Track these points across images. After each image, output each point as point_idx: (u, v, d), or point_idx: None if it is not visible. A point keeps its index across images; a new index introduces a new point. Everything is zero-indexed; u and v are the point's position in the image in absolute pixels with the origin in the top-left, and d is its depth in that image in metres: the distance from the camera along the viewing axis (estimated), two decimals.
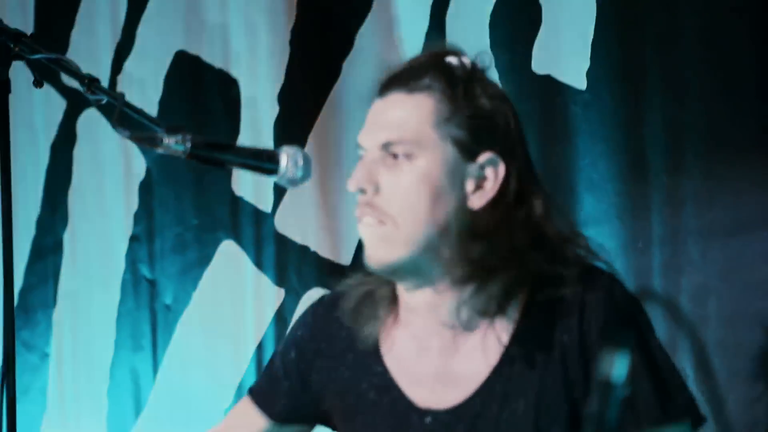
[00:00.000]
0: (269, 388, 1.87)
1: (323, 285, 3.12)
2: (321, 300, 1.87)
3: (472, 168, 1.66)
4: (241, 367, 3.27)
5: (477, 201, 1.67)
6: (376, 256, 1.67)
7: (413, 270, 1.68)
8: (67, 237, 3.58)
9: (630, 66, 2.53)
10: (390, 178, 1.66)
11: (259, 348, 3.24)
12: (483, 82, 1.69)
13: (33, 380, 3.55)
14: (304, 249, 3.17)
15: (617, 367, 1.15)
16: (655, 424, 1.64)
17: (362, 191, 1.67)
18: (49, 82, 3.27)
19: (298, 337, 1.85)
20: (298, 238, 3.19)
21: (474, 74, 1.69)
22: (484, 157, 1.67)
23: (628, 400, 1.57)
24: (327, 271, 3.13)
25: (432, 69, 1.68)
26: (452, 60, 1.69)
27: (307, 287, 3.18)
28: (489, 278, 1.67)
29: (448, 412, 1.69)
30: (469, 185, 1.67)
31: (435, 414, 1.70)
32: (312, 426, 1.89)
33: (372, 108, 1.72)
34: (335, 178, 3.07)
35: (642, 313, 1.68)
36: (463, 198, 1.66)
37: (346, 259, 3.08)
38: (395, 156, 1.66)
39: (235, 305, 3.30)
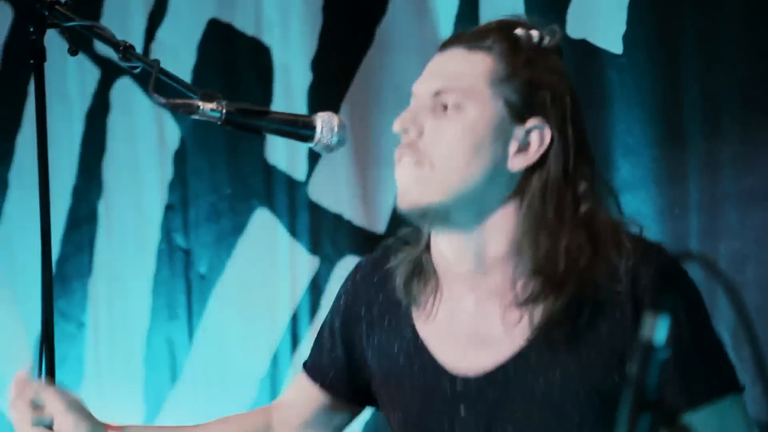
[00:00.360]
0: (319, 360, 1.88)
1: (357, 253, 3.12)
2: (360, 264, 1.86)
3: (519, 131, 1.66)
4: (276, 336, 3.28)
5: (517, 163, 1.66)
6: (408, 197, 1.66)
7: (442, 217, 1.66)
8: (102, 206, 3.60)
9: (667, 29, 2.50)
10: (435, 124, 1.66)
11: (294, 317, 3.25)
12: (546, 56, 1.69)
13: (70, 349, 3.58)
14: (338, 217, 3.17)
15: (658, 330, 1.14)
16: (702, 400, 1.63)
17: (405, 132, 1.67)
18: (83, 51, 3.28)
19: (341, 304, 1.86)
20: (331, 206, 3.19)
21: (539, 48, 1.69)
22: (533, 122, 1.66)
23: (676, 375, 1.57)
24: (361, 239, 3.13)
25: (497, 33, 1.68)
26: (520, 32, 1.69)
27: (341, 255, 3.18)
28: (532, 252, 1.66)
29: (479, 378, 1.68)
30: (513, 147, 1.66)
31: (466, 380, 1.69)
32: (363, 405, 1.89)
33: (431, 61, 1.72)
34: (369, 146, 3.06)
35: (692, 285, 1.66)
36: (503, 158, 1.66)
37: (380, 227, 3.08)
38: (445, 107, 1.66)
39: (269, 274, 3.30)
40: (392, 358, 1.77)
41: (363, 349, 1.82)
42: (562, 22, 2.63)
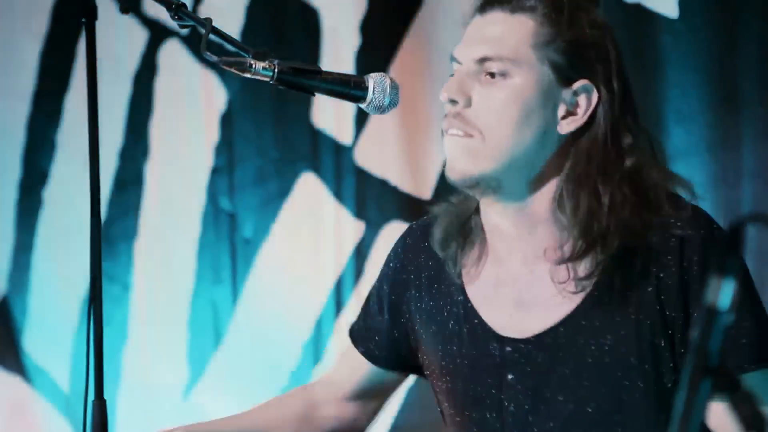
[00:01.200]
0: (366, 326, 1.88)
1: (403, 218, 3.11)
2: (410, 229, 1.86)
3: (566, 93, 1.65)
4: (320, 300, 3.28)
5: (566, 127, 1.65)
6: (459, 168, 1.66)
7: (494, 186, 1.66)
8: (148, 169, 3.60)
9: None
10: (483, 93, 1.65)
11: (339, 282, 3.24)
12: (587, 11, 1.67)
13: (114, 311, 3.60)
14: (384, 182, 3.16)
15: (722, 294, 1.11)
16: (755, 363, 1.61)
17: (453, 102, 1.66)
18: (132, 12, 3.27)
19: (389, 269, 1.86)
20: (377, 171, 3.18)
21: (579, 2, 1.67)
22: (579, 83, 1.65)
23: (729, 336, 1.55)
24: (407, 205, 3.12)
25: None
26: None
27: (386, 220, 3.17)
28: (574, 208, 1.64)
29: (529, 341, 1.68)
30: (561, 110, 1.65)
31: (515, 343, 1.69)
32: (407, 371, 1.89)
33: (471, 24, 1.71)
34: (416, 111, 3.04)
35: (740, 255, 1.64)
36: (552, 122, 1.65)
37: (425, 192, 3.06)
38: (492, 75, 1.65)
39: (314, 238, 3.30)
40: (442, 323, 1.76)
41: (411, 315, 1.81)
42: None
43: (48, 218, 3.78)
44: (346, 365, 1.92)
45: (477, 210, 1.74)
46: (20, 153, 3.79)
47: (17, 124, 3.77)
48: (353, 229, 3.22)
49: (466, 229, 1.74)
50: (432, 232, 1.77)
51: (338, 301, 3.24)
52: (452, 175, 1.67)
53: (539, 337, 1.67)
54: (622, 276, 1.63)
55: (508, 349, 1.69)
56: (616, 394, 1.64)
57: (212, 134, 3.45)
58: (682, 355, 1.61)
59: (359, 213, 3.21)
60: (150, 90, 3.57)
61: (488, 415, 1.71)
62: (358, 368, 1.89)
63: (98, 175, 2.19)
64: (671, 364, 1.63)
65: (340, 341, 3.25)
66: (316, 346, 3.29)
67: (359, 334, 1.88)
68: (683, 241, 1.61)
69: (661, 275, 1.62)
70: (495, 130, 1.64)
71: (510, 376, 1.69)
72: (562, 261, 1.65)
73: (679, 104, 2.53)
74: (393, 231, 3.14)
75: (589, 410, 1.64)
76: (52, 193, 3.77)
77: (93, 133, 2.15)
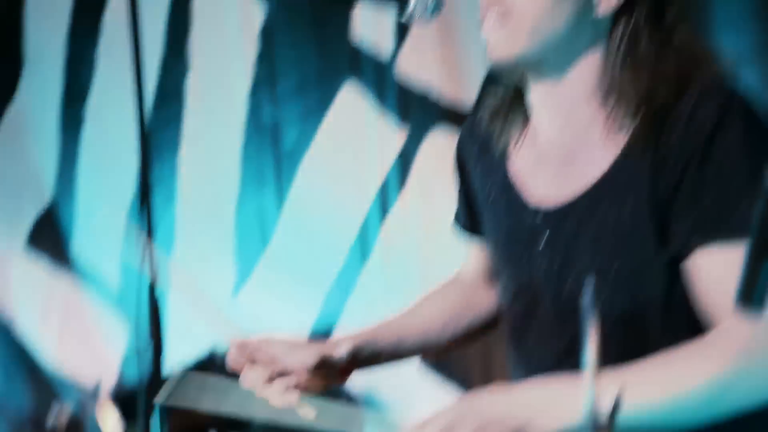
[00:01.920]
0: (458, 202, 1.99)
1: (445, 125, 3.13)
2: (471, 110, 1.94)
3: None
4: (365, 206, 3.31)
5: (603, 8, 1.67)
6: (498, 52, 1.68)
7: (534, 67, 1.69)
8: (189, 81, 3.61)
9: None
10: None
11: (383, 187, 3.27)
12: None
13: (162, 218, 3.64)
14: (426, 90, 3.17)
15: None
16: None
17: None
18: None
19: (456, 147, 1.95)
20: (420, 78, 3.18)
21: None
22: None
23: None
24: (449, 112, 3.13)
25: None
26: None
27: (428, 128, 3.18)
28: (610, 86, 1.67)
29: (557, 209, 1.73)
30: None
31: (545, 212, 1.75)
32: None
33: None
34: (458, 16, 3.04)
35: (750, 118, 1.59)
36: (588, 2, 1.67)
37: (468, 97, 3.08)
38: None
39: (356, 148, 3.32)
40: (486, 193, 1.87)
41: (470, 185, 1.92)
42: None
43: (91, 129, 3.82)
44: (470, 250, 2.02)
45: (521, 92, 1.79)
46: (62, 66, 3.82)
47: (57, 40, 3.79)
48: (395, 136, 3.24)
49: (514, 105, 1.80)
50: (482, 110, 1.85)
51: (383, 206, 3.27)
52: (492, 59, 1.70)
53: (566, 206, 1.72)
54: (644, 144, 1.64)
55: (539, 218, 1.75)
56: (635, 257, 1.66)
57: (253, 46, 3.46)
58: (677, 219, 1.62)
59: (402, 121, 3.23)
60: (188, 5, 3.57)
61: (523, 279, 1.79)
62: (473, 247, 1.99)
63: (141, 87, 2.22)
64: (668, 231, 1.63)
65: (386, 244, 3.29)
66: (362, 248, 3.33)
67: (457, 213, 1.99)
68: (699, 102, 1.60)
69: (672, 135, 1.62)
70: (530, 10, 1.66)
71: (541, 245, 1.75)
72: (602, 135, 1.67)
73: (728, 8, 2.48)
74: (436, 139, 3.17)
75: (612, 273, 1.67)
76: (94, 105, 3.80)
77: (135, 47, 2.17)
